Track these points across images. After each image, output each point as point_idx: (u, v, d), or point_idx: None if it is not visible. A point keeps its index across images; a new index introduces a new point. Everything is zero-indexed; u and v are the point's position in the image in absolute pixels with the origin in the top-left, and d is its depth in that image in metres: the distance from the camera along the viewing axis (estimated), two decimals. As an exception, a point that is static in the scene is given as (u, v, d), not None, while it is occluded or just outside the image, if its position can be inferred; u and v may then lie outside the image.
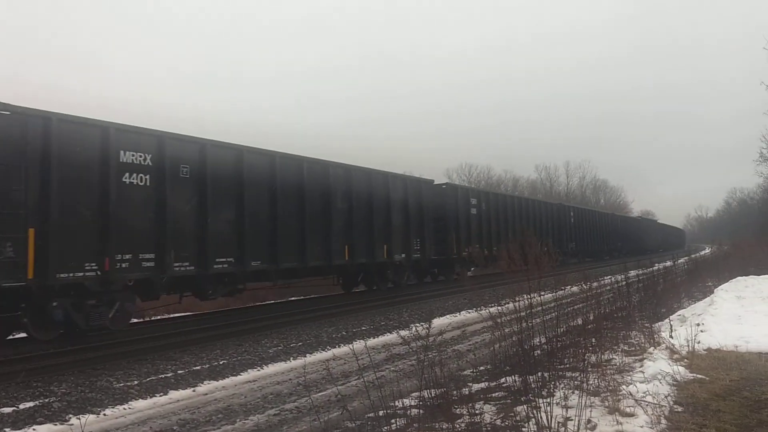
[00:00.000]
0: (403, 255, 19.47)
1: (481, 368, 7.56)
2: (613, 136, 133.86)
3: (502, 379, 6.59)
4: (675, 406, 5.41)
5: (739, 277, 12.85)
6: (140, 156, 11.00)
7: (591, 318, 8.26)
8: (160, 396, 7.48)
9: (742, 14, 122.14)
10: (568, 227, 36.51)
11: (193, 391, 7.74)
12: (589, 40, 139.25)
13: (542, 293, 7.09)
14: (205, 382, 8.12)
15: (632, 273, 13.58)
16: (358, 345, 9.90)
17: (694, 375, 6.58)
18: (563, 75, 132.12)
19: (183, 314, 15.94)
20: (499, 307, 7.23)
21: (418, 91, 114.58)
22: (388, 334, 11.78)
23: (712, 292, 12.30)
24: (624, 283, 11.73)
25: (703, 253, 40.76)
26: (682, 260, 24.88)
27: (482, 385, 6.60)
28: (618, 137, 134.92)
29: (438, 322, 11.64)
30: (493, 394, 6.12)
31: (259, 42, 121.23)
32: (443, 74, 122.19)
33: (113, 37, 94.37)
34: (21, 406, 6.91)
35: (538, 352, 6.99)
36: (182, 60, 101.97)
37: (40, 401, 7.12)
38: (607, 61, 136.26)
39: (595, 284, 9.73)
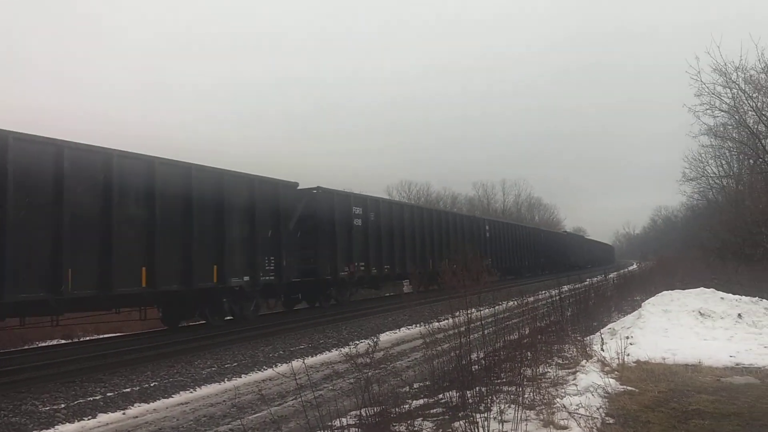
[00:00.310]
0: (247, 278, 14.85)
1: (421, 384, 7.57)
2: (546, 156, 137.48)
3: (441, 395, 6.61)
4: (607, 418, 5.54)
5: (665, 292, 13.29)
6: None
7: (527, 332, 8.41)
8: (89, 419, 7.19)
9: (666, 40, 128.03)
10: (483, 242, 32.48)
11: (123, 414, 7.47)
12: (521, 64, 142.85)
13: (480, 308, 7.18)
14: (135, 405, 7.85)
15: (565, 288, 13.91)
16: (297, 364, 9.77)
17: (625, 387, 6.77)
18: (499, 96, 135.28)
19: (114, 335, 15.40)
20: (438, 323, 7.27)
21: (357, 109, 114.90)
22: (328, 352, 11.69)
23: (640, 306, 12.70)
24: (558, 297, 11.99)
25: (631, 268, 42.22)
26: (612, 275, 25.68)
27: (421, 401, 6.61)
28: (550, 157, 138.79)
29: (377, 339, 11.60)
30: (432, 411, 6.13)
31: (196, 55, 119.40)
32: (384, 93, 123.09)
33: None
34: (-65, 435, 6.52)
35: (476, 367, 7.06)
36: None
37: (-43, 429, 6.73)
38: (538, 83, 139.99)
39: (531, 299, 9.95)
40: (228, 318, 15.26)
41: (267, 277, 15.56)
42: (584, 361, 7.94)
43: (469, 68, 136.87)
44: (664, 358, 8.20)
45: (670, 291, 13.20)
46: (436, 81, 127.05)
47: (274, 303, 18.28)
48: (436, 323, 7.24)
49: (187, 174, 13.21)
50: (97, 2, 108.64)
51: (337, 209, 19.28)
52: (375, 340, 5.90)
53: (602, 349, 8.48)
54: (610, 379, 6.93)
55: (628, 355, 8.14)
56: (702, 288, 12.82)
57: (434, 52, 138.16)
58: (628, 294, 17.88)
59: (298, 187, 17.84)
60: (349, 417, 5.72)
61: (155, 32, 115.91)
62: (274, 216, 16.02)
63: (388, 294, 25.51)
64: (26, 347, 13.62)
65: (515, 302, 9.40)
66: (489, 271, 7.66)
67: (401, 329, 14.65)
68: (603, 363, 7.84)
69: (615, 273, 29.57)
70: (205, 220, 13.58)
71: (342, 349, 10.60)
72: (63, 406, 7.71)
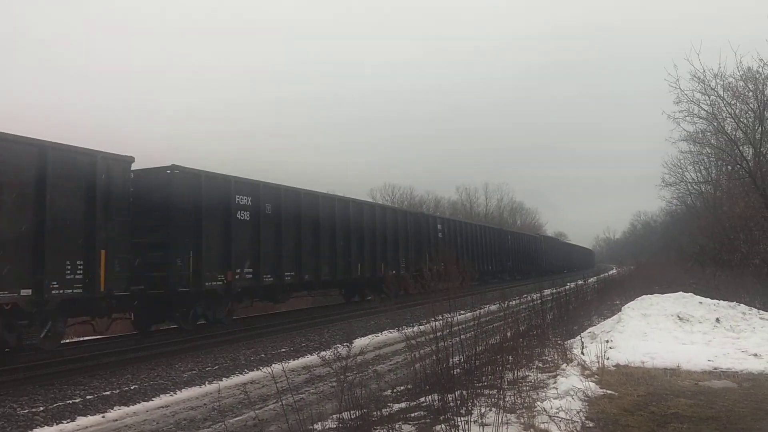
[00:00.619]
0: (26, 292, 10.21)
1: (402, 388, 7.59)
2: (529, 160, 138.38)
3: (422, 399, 6.63)
4: (587, 422, 5.59)
5: (645, 296, 13.40)
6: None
7: (508, 335, 8.45)
8: (68, 423, 7.14)
9: (645, 44, 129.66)
10: (433, 243, 27.56)
11: (103, 417, 7.42)
12: (507, 65, 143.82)
13: (461, 312, 7.22)
14: (115, 408, 7.79)
15: (546, 292, 13.99)
16: (278, 367, 9.73)
17: (604, 390, 6.84)
18: (486, 103, 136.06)
19: (91, 338, 15.22)
20: (420, 327, 7.29)
21: (344, 102, 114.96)
22: (309, 355, 11.65)
23: (620, 310, 12.80)
24: (539, 301, 12.06)
25: (611, 272, 42.56)
26: (592, 279, 25.88)
27: (402, 405, 6.62)
28: (533, 161, 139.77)
29: (359, 343, 11.59)
30: (413, 414, 6.14)
31: (174, 41, 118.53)
32: (369, 89, 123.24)
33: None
34: None
35: (458, 370, 7.09)
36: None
37: (-68, 432, 6.64)
38: (524, 89, 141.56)
39: (513, 302, 10.00)
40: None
41: (67, 290, 10.83)
42: (564, 364, 8.00)
43: (456, 70, 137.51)
44: (644, 362, 8.29)
45: (649, 295, 13.31)
46: (420, 79, 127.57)
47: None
48: (418, 327, 7.26)
49: None
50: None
51: (206, 197, 14.44)
52: (350, 344, 5.89)
53: (582, 353, 8.55)
54: (590, 383, 6.99)
55: (608, 358, 8.22)
56: (681, 292, 12.96)
57: (424, 48, 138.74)
58: (608, 298, 18.02)
59: (141, 168, 13.36)
60: (330, 420, 5.71)
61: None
62: (88, 201, 11.42)
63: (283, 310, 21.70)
64: (6, 349, 13.43)
65: (497, 306, 9.42)
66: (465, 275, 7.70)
67: (383, 332, 14.64)
68: (583, 367, 7.91)
69: (595, 277, 29.79)
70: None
71: (319, 353, 10.60)
72: (42, 408, 7.63)
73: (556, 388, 6.61)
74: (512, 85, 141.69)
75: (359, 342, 12.04)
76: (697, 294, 12.80)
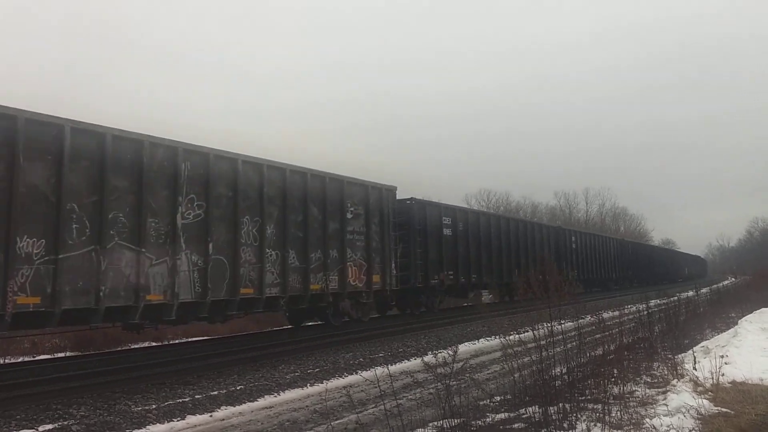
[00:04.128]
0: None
1: (501, 398, 7.46)
2: (634, 165, 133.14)
3: (522, 410, 6.50)
4: (700, 441, 5.29)
5: (764, 308, 12.62)
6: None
7: (612, 348, 8.14)
8: (178, 421, 7.47)
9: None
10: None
11: (210, 416, 7.73)
12: (609, 76, 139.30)
13: (561, 322, 7.02)
14: (222, 408, 8.10)
15: (653, 302, 13.41)
16: (378, 371, 9.83)
17: (719, 408, 6.44)
18: (587, 107, 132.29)
19: (199, 338, 15.99)
20: (518, 336, 7.15)
21: (437, 119, 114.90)
22: (406, 361, 11.70)
23: (736, 324, 12.09)
24: (645, 312, 11.57)
25: (725, 282, 40.19)
26: (704, 290, 24.54)
27: (502, 415, 6.51)
28: (638, 166, 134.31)
29: (456, 350, 11.53)
30: (514, 425, 6.03)
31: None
32: (464, 104, 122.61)
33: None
34: (41, 429, 6.94)
35: (559, 382, 6.90)
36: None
37: (59, 424, 7.14)
38: (625, 96, 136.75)
39: (616, 313, 9.63)
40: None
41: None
42: (675, 380, 7.62)
43: (557, 79, 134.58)
44: (762, 379, 7.75)
45: (768, 308, 12.52)
46: (521, 93, 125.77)
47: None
48: (516, 335, 7.13)
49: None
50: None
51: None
52: (454, 350, 5.87)
53: (695, 368, 8.10)
54: (704, 400, 6.61)
55: (723, 374, 7.75)
56: (804, 305, 12.08)
57: (522, 65, 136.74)
58: (723, 311, 17.02)
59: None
60: (429, 428, 5.70)
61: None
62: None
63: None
64: (119, 348, 14.35)
65: (598, 317, 9.10)
66: (571, 283, 7.50)
67: (480, 340, 14.49)
68: (695, 383, 7.50)
69: (708, 288, 28.21)
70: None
71: (423, 357, 10.60)
72: (154, 407, 8.04)
73: (666, 405, 6.30)
74: (612, 78, 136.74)
75: (460, 349, 12.01)
76: (823, 307, 11.88)
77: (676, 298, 16.07)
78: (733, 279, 45.54)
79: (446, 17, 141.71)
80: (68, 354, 13.69)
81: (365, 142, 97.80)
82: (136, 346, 14.71)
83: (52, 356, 13.36)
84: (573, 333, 8.13)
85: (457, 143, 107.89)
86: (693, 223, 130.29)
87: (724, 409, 6.40)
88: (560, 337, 7.17)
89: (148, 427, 7.19)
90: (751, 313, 13.06)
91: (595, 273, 37.57)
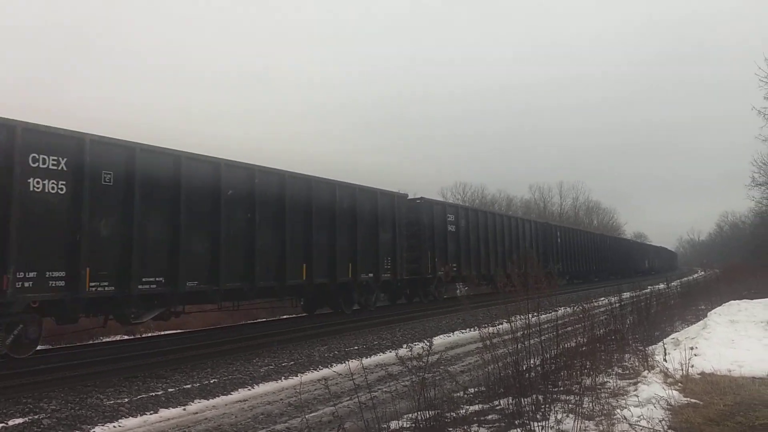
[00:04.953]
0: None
1: (475, 390, 7.51)
2: (607, 159, 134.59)
3: (496, 402, 6.56)
4: (669, 431, 5.38)
5: (732, 301, 12.86)
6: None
7: (585, 340, 8.24)
8: (151, 414, 7.40)
9: (733, 45, 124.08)
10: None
11: (184, 409, 7.66)
12: (585, 79, 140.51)
13: (536, 314, 7.07)
14: (195, 401, 8.04)
15: (626, 295, 13.59)
16: (353, 364, 9.83)
17: (688, 399, 6.56)
18: (563, 105, 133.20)
19: (172, 331, 15.84)
20: (493, 328, 7.19)
21: (415, 113, 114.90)
22: (381, 353, 11.72)
23: (706, 316, 12.31)
24: (618, 305, 11.72)
25: (695, 276, 40.88)
26: (675, 283, 24.94)
27: (476, 407, 6.55)
28: (611, 160, 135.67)
29: (433, 342, 11.57)
30: (488, 417, 6.07)
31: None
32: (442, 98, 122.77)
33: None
34: (10, 423, 6.82)
35: (532, 374, 6.96)
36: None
37: (30, 418, 7.02)
38: (605, 96, 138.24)
39: (587, 306, 9.72)
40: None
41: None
42: (646, 371, 7.74)
43: (526, 69, 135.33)
44: (731, 371, 7.91)
45: (737, 301, 12.77)
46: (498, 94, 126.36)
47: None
48: (491, 328, 7.16)
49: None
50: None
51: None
52: (429, 343, 5.87)
53: (665, 360, 8.23)
54: (673, 391, 6.73)
55: (693, 366, 7.89)
56: (772, 298, 12.32)
57: (500, 67, 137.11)
58: (693, 303, 17.32)
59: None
60: (404, 420, 5.72)
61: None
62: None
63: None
64: (91, 342, 14.16)
65: (574, 308, 9.20)
66: (551, 276, 7.56)
67: (455, 333, 14.58)
68: (666, 374, 7.63)
69: (678, 281, 28.67)
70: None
71: (397, 351, 10.61)
72: (126, 400, 7.95)
73: (637, 396, 6.39)
74: (591, 83, 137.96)
75: (438, 341, 12.06)
76: (790, 300, 12.14)
77: (648, 290, 16.31)
78: (702, 272, 46.35)
79: (417, 25, 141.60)
80: (39, 348, 13.45)
81: (346, 143, 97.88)
82: (108, 340, 14.53)
83: None
84: (547, 325, 8.21)
85: (433, 141, 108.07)
86: (664, 218, 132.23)
87: (693, 400, 6.52)
88: (536, 329, 7.22)
89: (120, 420, 7.11)
90: (720, 305, 13.29)
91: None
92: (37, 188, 9.50)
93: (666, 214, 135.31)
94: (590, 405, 5.88)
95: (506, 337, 6.87)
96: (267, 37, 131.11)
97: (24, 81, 65.56)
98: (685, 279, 31.76)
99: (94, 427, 6.78)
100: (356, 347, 12.48)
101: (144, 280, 11.06)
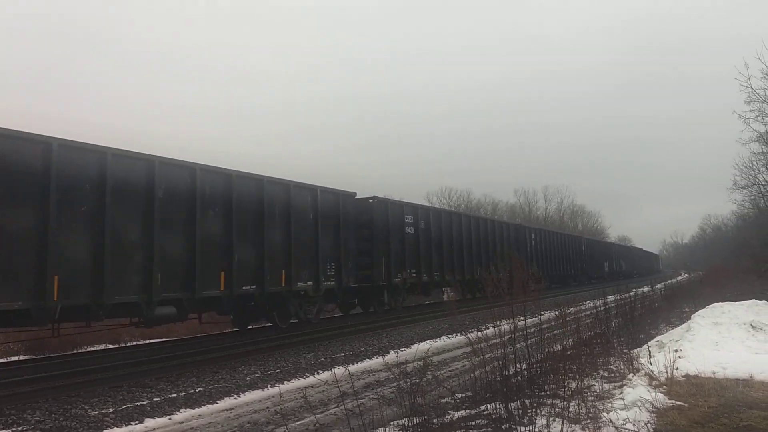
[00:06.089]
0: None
1: (462, 395, 7.51)
2: (591, 163, 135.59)
3: (483, 407, 6.56)
4: (655, 434, 5.42)
5: (716, 304, 12.92)
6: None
7: (570, 344, 8.27)
8: (136, 424, 7.33)
9: (716, 51, 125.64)
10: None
11: (169, 419, 7.60)
12: (568, 77, 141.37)
13: (522, 318, 7.09)
14: (181, 410, 7.98)
15: (611, 298, 13.66)
16: (339, 371, 9.81)
17: (673, 401, 6.61)
18: (543, 106, 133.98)
19: (157, 340, 15.72)
20: (480, 333, 7.21)
21: (399, 117, 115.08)
22: (368, 360, 11.70)
23: (689, 318, 12.38)
24: (603, 308, 11.78)
25: (679, 278, 41.20)
26: (659, 285, 25.12)
27: (463, 412, 6.56)
28: (596, 164, 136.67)
29: (418, 348, 11.57)
30: (475, 422, 6.07)
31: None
32: (427, 102, 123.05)
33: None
34: (-8, 435, 6.74)
35: (519, 378, 6.97)
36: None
37: (13, 429, 6.95)
38: (592, 96, 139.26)
39: (572, 309, 9.78)
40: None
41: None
42: (631, 374, 7.78)
43: (515, 79, 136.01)
44: (715, 373, 7.97)
45: (720, 303, 12.84)
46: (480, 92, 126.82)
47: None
48: (478, 333, 7.18)
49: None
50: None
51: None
52: (416, 348, 5.89)
53: (650, 363, 8.29)
54: (658, 394, 6.77)
55: (677, 368, 7.94)
56: (754, 300, 12.45)
57: (484, 65, 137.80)
58: (677, 305, 17.44)
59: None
60: (391, 426, 5.71)
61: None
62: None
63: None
64: (75, 351, 14.02)
65: (558, 312, 9.24)
66: (536, 279, 7.59)
67: (441, 338, 14.58)
68: (650, 377, 7.67)
69: (662, 283, 28.88)
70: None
71: (383, 357, 10.62)
72: (111, 410, 7.87)
73: (623, 399, 6.43)
74: (575, 81, 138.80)
75: (418, 347, 12.05)
76: (771, 302, 12.26)
77: (633, 293, 16.40)
78: (686, 274, 46.75)
79: (397, 18, 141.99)
80: (22, 358, 13.32)
81: (327, 143, 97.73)
82: (92, 349, 14.40)
83: (5, 360, 12.97)
84: (533, 329, 8.24)
85: (417, 142, 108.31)
86: (648, 221, 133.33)
87: (678, 403, 6.56)
88: (521, 333, 7.25)
89: (105, 431, 7.04)
90: (704, 308, 13.37)
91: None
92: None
93: (650, 218, 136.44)
94: (577, 408, 5.90)
95: (493, 341, 6.89)
96: (247, 31, 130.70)
97: None
98: (669, 282, 31.97)
99: (78, 439, 6.71)
100: (343, 354, 12.44)
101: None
